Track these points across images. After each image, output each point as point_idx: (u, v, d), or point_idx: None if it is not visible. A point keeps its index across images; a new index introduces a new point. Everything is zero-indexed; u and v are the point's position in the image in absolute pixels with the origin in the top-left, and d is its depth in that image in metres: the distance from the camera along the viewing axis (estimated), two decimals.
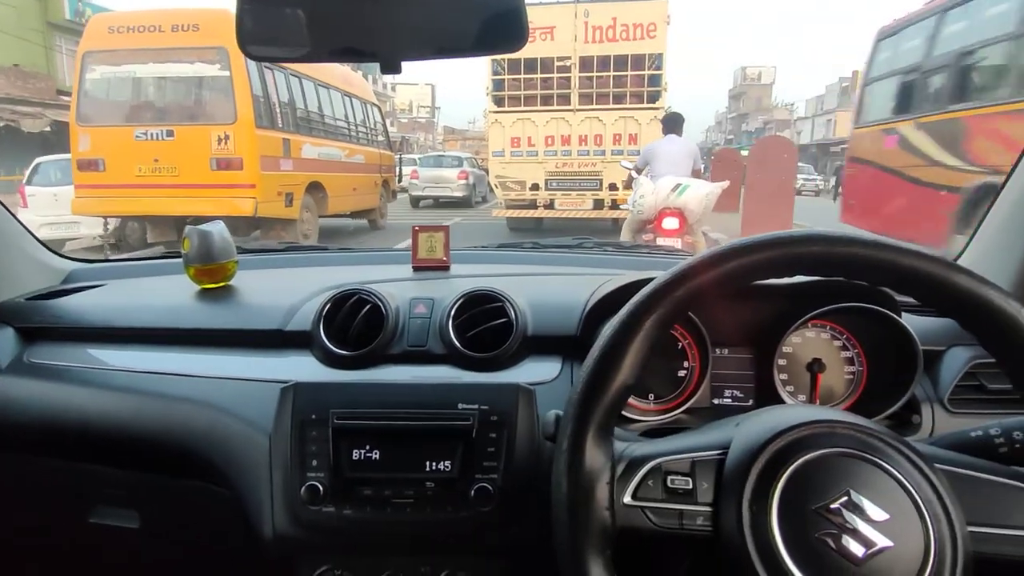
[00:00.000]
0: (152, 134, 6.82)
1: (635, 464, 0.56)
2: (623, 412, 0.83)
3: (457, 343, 0.89)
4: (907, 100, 6.15)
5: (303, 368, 0.90)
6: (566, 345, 0.91)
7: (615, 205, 8.64)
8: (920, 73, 5.87)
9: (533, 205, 9.11)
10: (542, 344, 0.91)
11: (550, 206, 9.05)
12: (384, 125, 11.66)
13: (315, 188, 8.19)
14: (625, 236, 5.31)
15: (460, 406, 0.78)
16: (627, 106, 8.54)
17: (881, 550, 0.48)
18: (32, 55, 17.03)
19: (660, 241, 4.62)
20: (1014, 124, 4.52)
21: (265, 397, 0.83)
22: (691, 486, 0.55)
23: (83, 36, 7.14)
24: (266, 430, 0.81)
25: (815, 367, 0.87)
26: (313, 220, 8.19)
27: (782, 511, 0.50)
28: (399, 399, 0.80)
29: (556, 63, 8.54)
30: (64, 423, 0.91)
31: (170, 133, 6.81)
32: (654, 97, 8.45)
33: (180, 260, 1.09)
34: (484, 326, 0.90)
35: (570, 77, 8.56)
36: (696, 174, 5.48)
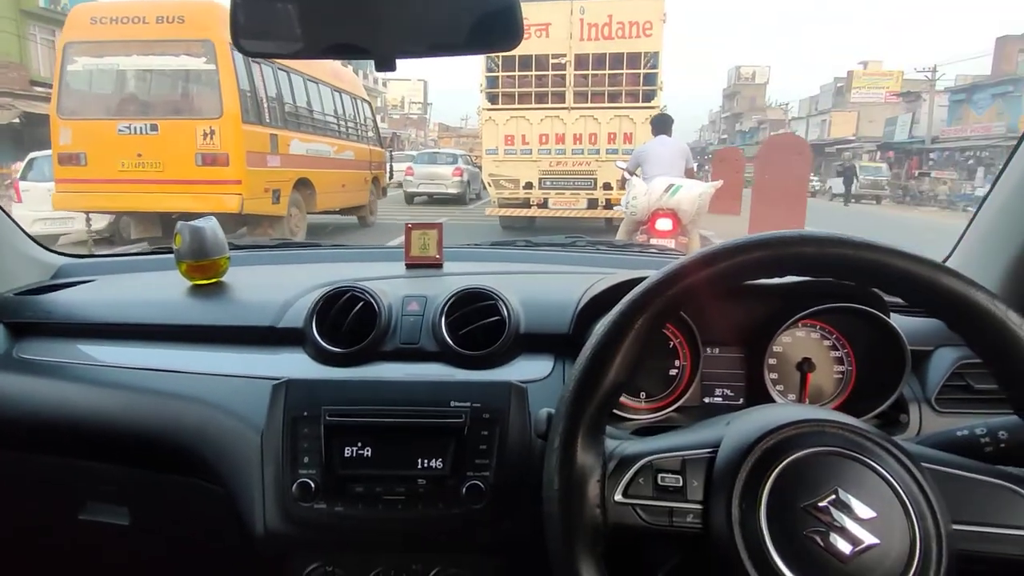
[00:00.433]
0: (135, 128, 6.68)
1: (626, 462, 0.56)
2: (615, 410, 0.84)
3: (450, 341, 0.89)
4: None
5: (295, 365, 0.90)
6: (558, 343, 0.91)
7: (609, 205, 8.62)
8: None
9: (527, 204, 9.06)
10: (534, 342, 0.92)
11: (544, 205, 9.00)
12: (374, 121, 11.59)
13: (303, 185, 8.10)
14: (621, 238, 5.26)
15: (452, 404, 0.78)
16: (622, 105, 8.51)
17: (868, 547, 0.48)
18: (4, 44, 16.53)
19: (654, 242, 4.59)
20: None
21: (257, 394, 0.83)
22: (681, 484, 0.55)
23: (64, 26, 7.00)
24: (258, 427, 0.81)
25: (805, 367, 0.88)
26: (301, 217, 8.11)
27: (771, 509, 0.50)
28: (391, 396, 0.80)
29: (551, 60, 8.50)
30: (54, 419, 0.90)
31: (154, 127, 6.68)
32: (649, 96, 8.42)
33: (171, 256, 1.09)
34: (477, 324, 0.90)
35: (565, 75, 8.52)
36: (689, 174, 5.49)
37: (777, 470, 0.52)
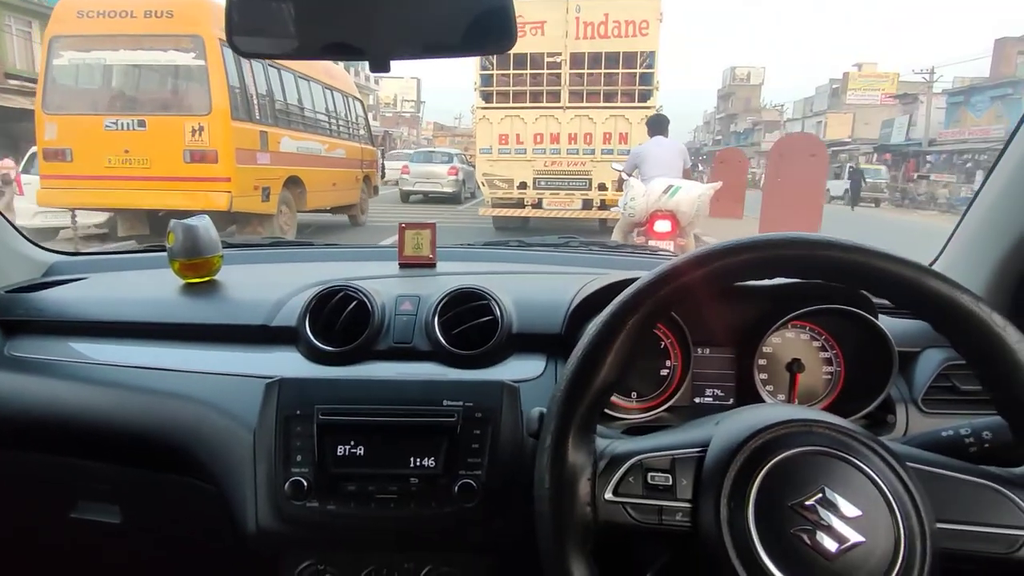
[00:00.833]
0: (123, 124, 6.60)
1: (617, 461, 0.57)
2: (606, 410, 0.84)
3: (443, 340, 0.90)
4: None
5: (288, 364, 0.90)
6: (550, 343, 0.91)
7: (604, 205, 8.58)
8: None
9: (520, 204, 9.01)
10: (527, 342, 0.92)
11: (538, 205, 8.94)
12: (366, 119, 11.52)
13: (293, 183, 8.03)
14: (616, 239, 5.18)
15: (445, 403, 0.79)
16: (618, 104, 8.47)
17: (853, 545, 0.49)
18: None
19: (652, 244, 4.49)
20: None
21: (250, 392, 0.83)
22: (671, 483, 0.56)
23: (50, 20, 6.90)
24: (250, 425, 0.81)
25: (794, 367, 0.89)
26: (291, 216, 8.05)
27: (759, 508, 0.51)
28: (384, 395, 0.80)
29: (546, 59, 8.45)
30: (45, 417, 0.90)
31: (141, 123, 6.60)
32: (645, 96, 8.38)
33: (164, 254, 1.08)
34: (469, 323, 0.91)
35: (560, 74, 8.46)
36: (686, 174, 5.44)
37: (765, 469, 0.52)
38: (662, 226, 4.70)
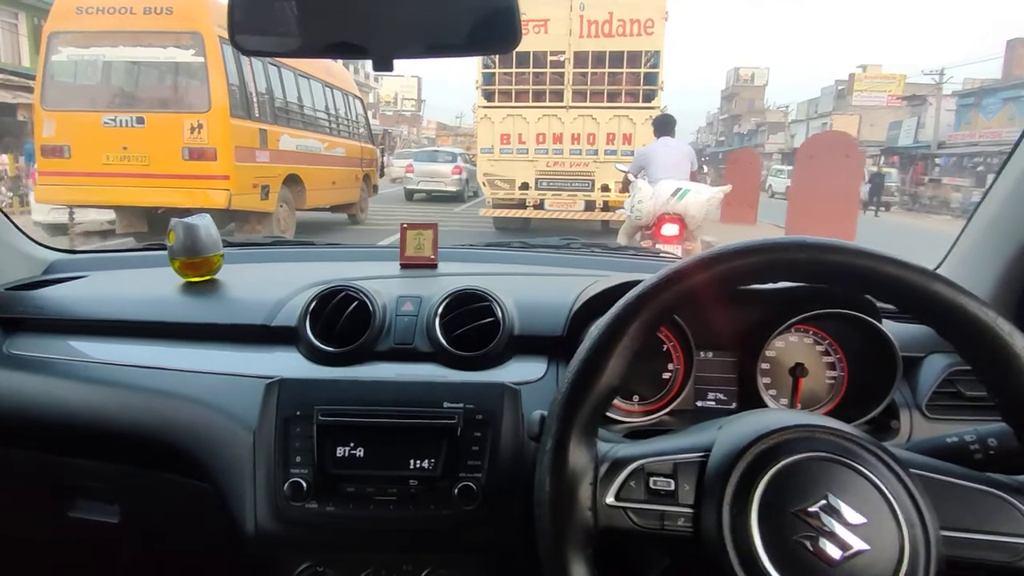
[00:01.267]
0: (121, 121, 6.58)
1: (618, 465, 0.57)
2: (607, 413, 0.84)
3: (444, 342, 0.89)
4: None
5: (288, 364, 0.89)
6: (552, 345, 0.91)
7: (607, 207, 8.49)
8: None
9: (522, 205, 8.92)
10: (528, 344, 0.92)
11: (540, 206, 8.86)
12: (366, 118, 11.49)
13: (293, 181, 8.01)
14: (621, 242, 5.04)
15: (445, 405, 0.78)
16: (622, 104, 8.37)
17: (857, 553, 0.49)
18: None
19: (659, 247, 4.28)
20: None
21: (250, 393, 0.82)
22: (673, 488, 0.55)
23: (49, 15, 6.89)
24: (250, 426, 0.81)
25: (797, 372, 0.88)
26: (290, 214, 8.03)
27: (762, 514, 0.51)
28: (384, 397, 0.80)
29: (549, 57, 8.39)
30: (44, 416, 0.90)
31: (140, 120, 6.59)
32: (650, 96, 8.30)
33: (164, 252, 1.08)
34: (471, 325, 0.90)
35: (564, 73, 8.38)
36: (693, 176, 5.32)
37: (768, 475, 0.52)
38: (669, 229, 4.59)
